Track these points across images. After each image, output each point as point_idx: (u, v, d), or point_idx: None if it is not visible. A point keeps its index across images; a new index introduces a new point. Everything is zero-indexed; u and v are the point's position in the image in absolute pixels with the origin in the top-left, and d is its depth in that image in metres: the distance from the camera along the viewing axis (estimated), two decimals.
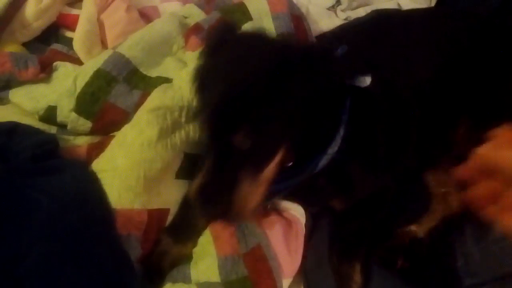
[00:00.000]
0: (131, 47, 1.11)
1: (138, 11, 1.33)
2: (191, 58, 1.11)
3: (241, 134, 0.68)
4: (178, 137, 0.95)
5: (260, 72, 0.69)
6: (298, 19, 1.19)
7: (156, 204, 0.91)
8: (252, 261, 0.88)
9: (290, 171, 0.79)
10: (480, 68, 0.98)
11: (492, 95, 0.97)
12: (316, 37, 1.26)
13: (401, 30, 1.03)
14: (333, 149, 0.79)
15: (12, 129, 0.92)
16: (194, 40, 1.14)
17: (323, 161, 0.80)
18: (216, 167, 0.70)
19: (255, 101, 0.67)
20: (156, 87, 1.04)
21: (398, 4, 1.39)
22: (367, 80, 0.80)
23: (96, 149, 0.99)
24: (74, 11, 1.29)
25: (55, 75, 1.13)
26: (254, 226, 0.93)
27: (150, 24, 1.20)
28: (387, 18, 1.13)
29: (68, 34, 1.29)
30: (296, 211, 0.96)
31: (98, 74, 1.04)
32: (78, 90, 1.04)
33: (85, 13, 1.23)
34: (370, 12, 1.33)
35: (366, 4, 1.41)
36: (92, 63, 1.07)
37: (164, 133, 0.93)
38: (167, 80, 1.09)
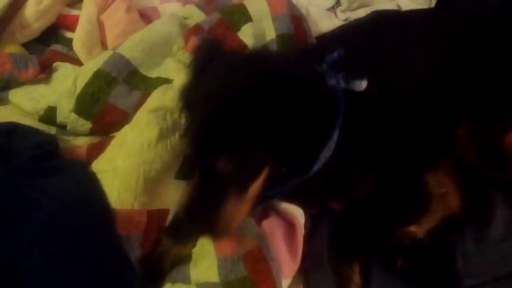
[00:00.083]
0: (131, 47, 1.11)
1: (138, 12, 1.33)
2: None
3: (223, 160, 0.69)
4: (178, 138, 0.95)
5: (243, 96, 0.69)
6: (298, 20, 1.19)
7: (156, 204, 0.91)
8: (251, 262, 0.88)
9: (282, 176, 0.80)
10: (480, 68, 0.98)
11: (492, 95, 0.98)
12: (316, 38, 1.26)
13: (401, 30, 1.03)
14: (325, 154, 0.80)
15: (12, 130, 0.93)
16: (194, 41, 1.14)
17: (317, 166, 0.80)
18: (202, 186, 0.72)
19: (237, 126, 0.68)
20: (156, 88, 1.04)
21: (398, 5, 1.39)
22: (363, 85, 0.81)
23: (96, 150, 0.99)
24: (74, 12, 1.30)
25: (55, 75, 1.13)
26: (254, 226, 0.93)
27: (150, 25, 1.20)
28: (387, 19, 1.13)
29: (68, 34, 1.30)
30: (295, 212, 0.96)
31: (98, 75, 1.04)
32: (78, 90, 1.04)
33: (85, 14, 1.23)
34: (370, 13, 1.33)
35: (366, 5, 1.41)
36: (92, 64, 1.07)
37: (164, 134, 0.93)
38: (167, 81, 1.09)
